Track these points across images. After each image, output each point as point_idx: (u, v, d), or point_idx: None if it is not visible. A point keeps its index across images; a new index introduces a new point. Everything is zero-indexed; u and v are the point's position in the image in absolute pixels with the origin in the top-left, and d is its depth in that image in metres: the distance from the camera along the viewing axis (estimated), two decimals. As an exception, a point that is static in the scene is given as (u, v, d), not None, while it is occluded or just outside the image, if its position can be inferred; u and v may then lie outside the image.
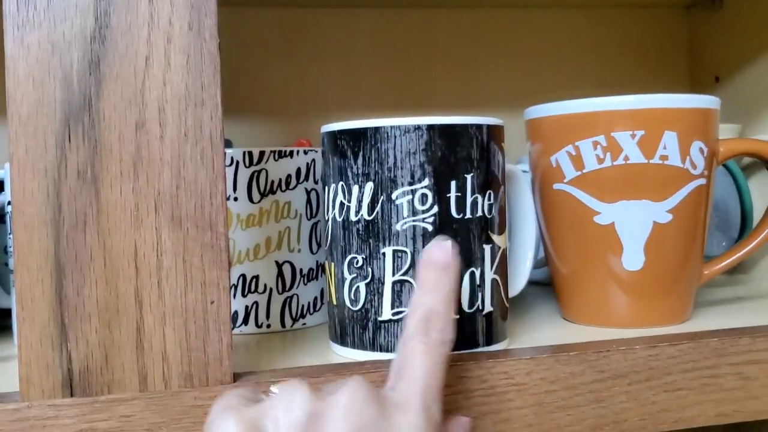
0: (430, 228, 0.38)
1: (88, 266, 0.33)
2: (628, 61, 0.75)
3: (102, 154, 0.33)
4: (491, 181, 0.40)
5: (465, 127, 0.39)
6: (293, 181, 0.47)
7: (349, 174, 0.39)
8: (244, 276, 0.47)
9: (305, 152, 0.48)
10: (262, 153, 0.47)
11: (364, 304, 0.39)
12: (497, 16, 0.72)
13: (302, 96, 0.68)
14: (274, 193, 0.47)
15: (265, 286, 0.47)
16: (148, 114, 0.33)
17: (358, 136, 0.39)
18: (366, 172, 0.38)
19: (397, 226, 0.38)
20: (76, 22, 0.33)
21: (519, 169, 0.45)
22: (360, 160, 0.38)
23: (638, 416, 0.39)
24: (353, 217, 0.39)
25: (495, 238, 0.40)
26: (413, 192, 0.38)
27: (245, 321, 0.47)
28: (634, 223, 0.43)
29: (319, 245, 0.49)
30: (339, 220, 0.39)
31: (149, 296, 0.33)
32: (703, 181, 0.44)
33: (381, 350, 0.38)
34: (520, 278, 0.46)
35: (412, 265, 0.38)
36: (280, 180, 0.47)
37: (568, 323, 0.47)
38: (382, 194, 0.38)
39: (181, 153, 0.34)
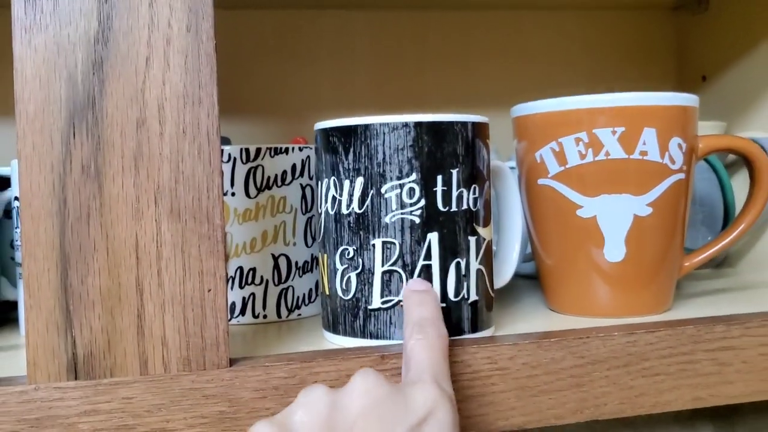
0: (417, 220, 0.40)
1: (91, 256, 0.35)
2: (617, 62, 0.76)
3: (105, 150, 0.35)
4: (476, 176, 0.41)
5: (451, 124, 0.40)
6: (289, 177, 0.49)
7: (341, 169, 0.41)
8: (241, 268, 0.49)
9: (300, 149, 0.50)
10: (258, 150, 0.48)
11: (355, 293, 0.41)
12: (488, 18, 0.74)
13: (298, 95, 0.70)
14: (270, 188, 0.49)
15: (262, 278, 0.49)
16: (149, 112, 0.35)
17: (349, 133, 0.40)
18: (356, 167, 0.40)
19: (386, 219, 0.40)
20: (81, 25, 0.35)
21: (506, 166, 0.47)
22: (351, 156, 0.40)
23: (617, 400, 0.40)
24: (344, 211, 0.41)
25: (480, 230, 0.42)
26: (401, 186, 0.40)
27: (242, 312, 0.49)
28: (615, 217, 0.45)
29: (313, 239, 0.51)
30: (331, 213, 0.41)
31: (149, 285, 0.35)
32: (682, 175, 0.46)
33: (371, 337, 0.40)
34: (507, 270, 0.47)
35: (401, 255, 0.40)
36: (276, 176, 0.49)
37: (553, 313, 0.48)
38: (371, 188, 0.40)
39: (180, 149, 0.35)
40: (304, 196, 0.50)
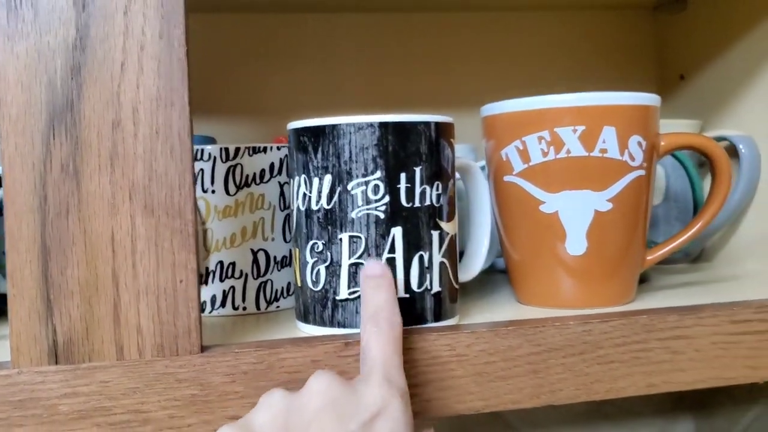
0: (382, 216, 0.42)
1: (70, 249, 0.37)
2: (598, 61, 0.78)
3: (82, 150, 0.37)
4: (440, 174, 0.44)
5: (414, 124, 0.42)
6: (267, 175, 0.51)
7: (311, 167, 0.43)
8: (221, 262, 0.51)
9: (278, 148, 0.52)
10: (237, 149, 0.51)
11: (324, 284, 0.43)
12: (471, 20, 0.76)
13: (283, 97, 0.72)
14: (249, 186, 0.51)
15: (241, 272, 0.51)
16: (124, 114, 0.37)
17: (317, 132, 0.43)
18: (325, 165, 0.42)
19: (353, 214, 0.42)
20: (60, 33, 0.37)
21: (476, 164, 0.49)
22: (320, 155, 0.42)
23: (573, 386, 0.42)
24: (314, 207, 0.43)
25: (443, 225, 0.44)
26: (367, 183, 0.42)
27: (223, 304, 0.51)
28: (576, 212, 0.47)
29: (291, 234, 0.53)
30: (302, 209, 0.44)
31: (125, 276, 0.38)
32: (642, 172, 0.48)
33: (339, 326, 0.43)
34: (475, 263, 0.49)
35: (366, 249, 0.42)
36: (255, 174, 0.51)
37: (521, 305, 0.50)
38: (339, 185, 0.42)
39: (153, 148, 0.38)
40: (282, 194, 0.52)
